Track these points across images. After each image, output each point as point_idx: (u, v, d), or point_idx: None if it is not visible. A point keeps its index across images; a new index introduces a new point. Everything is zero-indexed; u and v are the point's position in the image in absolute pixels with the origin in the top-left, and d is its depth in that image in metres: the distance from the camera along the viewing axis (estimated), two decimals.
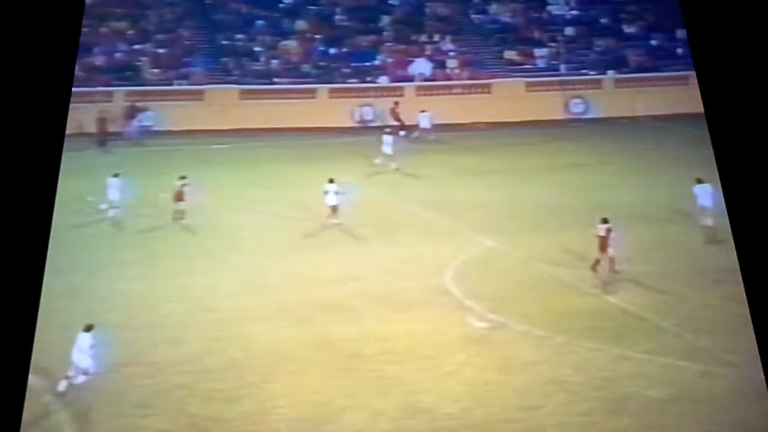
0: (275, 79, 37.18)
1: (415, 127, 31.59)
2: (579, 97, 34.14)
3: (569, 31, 38.21)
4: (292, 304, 18.02)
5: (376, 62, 38.12)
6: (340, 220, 22.19)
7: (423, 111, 31.96)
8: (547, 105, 33.71)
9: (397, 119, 32.75)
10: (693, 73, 37.64)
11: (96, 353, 14.56)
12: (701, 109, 35.28)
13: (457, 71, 37.31)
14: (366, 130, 33.49)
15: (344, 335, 16.66)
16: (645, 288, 18.33)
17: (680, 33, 37.37)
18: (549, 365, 15.25)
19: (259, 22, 39.44)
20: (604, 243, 18.89)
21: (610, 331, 16.47)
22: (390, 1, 40.75)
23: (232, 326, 17.00)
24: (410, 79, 37.02)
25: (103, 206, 22.91)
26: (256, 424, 13.79)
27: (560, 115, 33.32)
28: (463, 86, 35.55)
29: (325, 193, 22.44)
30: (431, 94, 35.45)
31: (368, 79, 37.11)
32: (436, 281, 18.92)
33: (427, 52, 38.44)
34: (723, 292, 17.65)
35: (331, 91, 36.26)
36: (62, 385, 14.34)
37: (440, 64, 37.70)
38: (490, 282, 18.81)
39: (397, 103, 33.18)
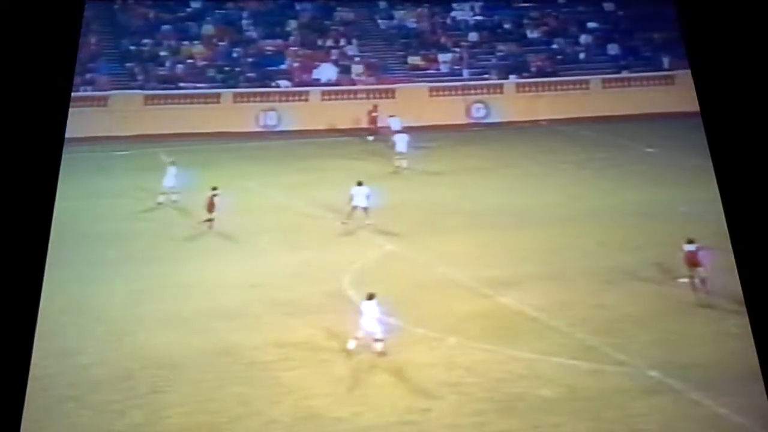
0: (180, 84, 36.83)
1: (382, 130, 31.22)
2: (480, 101, 34.63)
3: (473, 36, 38.72)
4: (188, 313, 17.80)
5: (282, 67, 38.05)
6: (373, 221, 22.28)
7: (392, 116, 31.68)
8: (450, 110, 34.09)
9: (373, 123, 32.22)
10: (593, 77, 38.73)
11: (382, 319, 15.89)
12: (600, 113, 36.46)
13: (362, 76, 37.46)
14: (270, 134, 33.41)
15: (242, 342, 16.52)
16: (538, 289, 18.59)
17: (583, 38, 38.29)
18: (442, 367, 15.35)
19: (166, 27, 39.01)
20: (693, 260, 18.49)
21: (503, 332, 16.67)
22: (296, 6, 40.72)
23: (126, 336, 16.72)
24: (316, 83, 37.05)
25: None
26: None
27: (462, 120, 33.74)
28: (367, 91, 35.72)
29: (353, 196, 22.47)
30: (336, 99, 35.57)
31: (273, 83, 37.02)
32: (335, 286, 18.93)
33: (333, 57, 38.53)
34: (614, 293, 18.25)
35: (236, 95, 36.05)
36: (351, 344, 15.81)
37: (345, 69, 37.81)
38: (387, 285, 18.77)
39: (375, 107, 32.68)
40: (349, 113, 33.80)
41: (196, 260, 20.82)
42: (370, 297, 16.12)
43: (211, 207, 22.48)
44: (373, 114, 32.90)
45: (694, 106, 33.46)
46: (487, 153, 29.56)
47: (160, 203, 24.64)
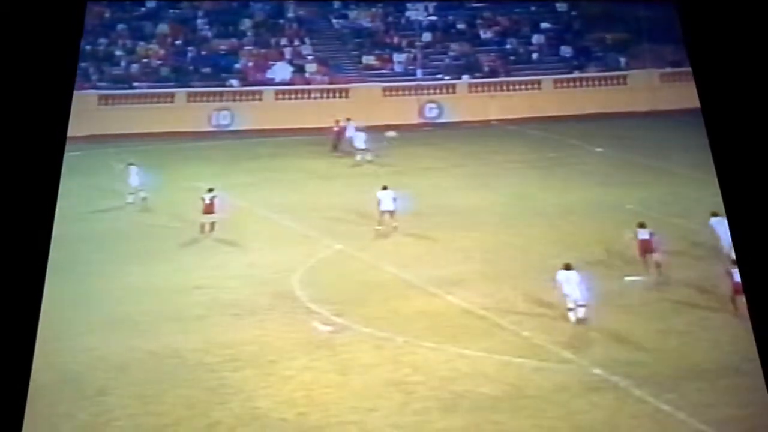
0: (135, 84, 36.55)
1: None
2: (433, 101, 34.76)
3: (426, 36, 38.85)
4: (136, 315, 17.69)
5: (237, 66, 37.89)
6: (398, 223, 22.27)
7: (348, 119, 31.34)
8: (403, 109, 34.17)
9: (339, 136, 31.03)
10: (545, 77, 39.19)
11: (585, 286, 16.76)
12: (551, 113, 36.75)
13: (316, 75, 37.44)
14: (223, 134, 33.31)
15: (188, 344, 16.45)
16: (485, 287, 18.74)
17: (536, 38, 38.55)
18: (388, 366, 15.41)
19: (121, 26, 38.68)
20: (646, 247, 19.04)
21: (450, 330, 16.79)
22: (251, 6, 40.58)
23: (70, 339, 16.54)
24: (270, 82, 36.94)
25: None
26: None
27: (415, 120, 33.84)
28: (321, 90, 35.71)
29: (380, 199, 22.39)
30: (290, 98, 35.51)
31: (227, 83, 36.87)
32: (284, 286, 18.93)
33: (287, 56, 38.44)
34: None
35: (190, 95, 35.84)
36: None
37: (299, 68, 37.76)
38: (335, 285, 18.93)
39: (338, 121, 32.18)
40: (302, 113, 33.74)
41: (145, 262, 20.71)
42: (568, 267, 17.29)
43: (210, 209, 22.34)
44: (341, 125, 32.49)
45: (645, 105, 34.06)
46: (439, 153, 29.68)
47: (129, 203, 24.52)
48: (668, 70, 34.00)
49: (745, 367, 15.56)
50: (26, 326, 11.64)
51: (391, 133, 27.93)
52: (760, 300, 14.89)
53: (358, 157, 27.84)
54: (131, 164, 25.20)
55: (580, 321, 17.14)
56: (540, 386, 14.94)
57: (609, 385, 15.10)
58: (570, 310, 17.16)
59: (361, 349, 16.07)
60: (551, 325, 17.10)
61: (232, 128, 34.26)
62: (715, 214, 19.43)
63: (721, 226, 19.51)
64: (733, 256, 19.54)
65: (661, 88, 33.39)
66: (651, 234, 19.04)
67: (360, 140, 28.62)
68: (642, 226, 19.22)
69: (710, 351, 16.16)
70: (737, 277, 18.26)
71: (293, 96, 35.74)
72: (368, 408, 14.14)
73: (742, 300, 18.10)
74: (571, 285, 17.29)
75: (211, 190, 22.60)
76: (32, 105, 12.13)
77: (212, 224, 22.24)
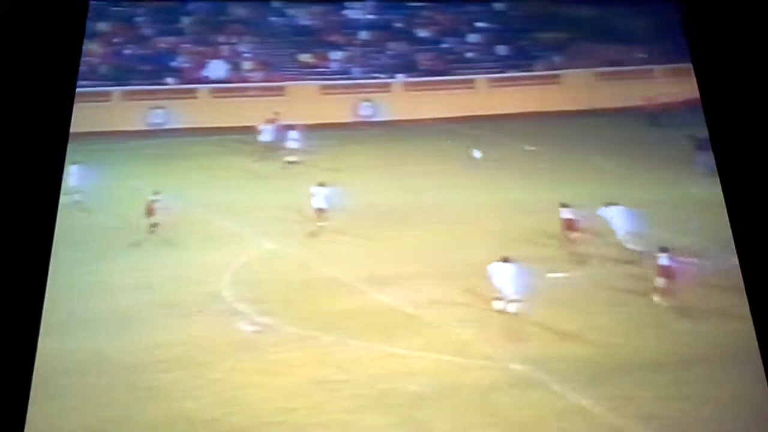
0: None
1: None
2: (368, 100, 34.76)
3: (364, 35, 38.85)
4: (65, 315, 17.22)
5: (174, 64, 37.51)
6: (327, 223, 22.13)
7: (277, 113, 30.75)
8: (339, 108, 34.05)
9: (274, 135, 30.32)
10: (480, 76, 39.09)
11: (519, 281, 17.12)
12: (486, 112, 36.68)
13: (252, 73, 37.23)
14: (158, 133, 32.90)
15: (120, 346, 16.36)
16: (416, 286, 18.72)
17: (471, 37, 38.77)
18: (313, 366, 15.49)
19: None
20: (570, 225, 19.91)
21: (378, 328, 16.87)
22: (190, 4, 40.23)
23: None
24: (206, 80, 36.62)
25: None
26: None
27: (350, 118, 33.81)
28: (257, 88, 35.49)
29: (314, 196, 22.43)
30: (226, 96, 35.20)
31: (164, 81, 36.47)
32: (213, 287, 18.79)
33: (224, 54, 38.16)
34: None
35: (125, 93, 35.35)
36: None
37: (236, 66, 37.51)
38: (264, 285, 18.89)
39: (272, 120, 31.68)
40: (238, 111, 33.46)
41: (80, 262, 20.23)
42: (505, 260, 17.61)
43: (151, 210, 22.01)
44: (274, 123, 32.36)
45: (579, 104, 34.36)
46: (373, 151, 29.59)
47: (68, 203, 24.12)
48: (603, 69, 34.44)
49: (666, 361, 16.00)
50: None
51: (477, 153, 27.89)
52: (760, 300, 15.38)
53: (292, 158, 27.75)
54: (74, 163, 24.75)
55: (510, 316, 17.34)
56: (465, 383, 15.17)
57: (532, 381, 15.36)
58: (498, 300, 17.38)
59: (287, 349, 16.10)
60: (480, 322, 17.27)
61: (167, 127, 33.86)
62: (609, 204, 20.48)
63: (613, 214, 20.28)
64: (630, 245, 20.22)
65: (595, 87, 33.81)
66: (574, 214, 19.98)
67: (293, 139, 28.55)
68: (564, 206, 20.16)
69: (632, 347, 16.48)
70: (662, 261, 18.87)
71: (229, 94, 35.47)
72: (292, 407, 14.22)
73: (667, 284, 18.67)
74: (505, 279, 17.54)
75: (156, 192, 22.51)
76: (33, 104, 12.08)
77: (154, 225, 22.02)
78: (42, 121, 12.01)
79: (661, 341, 16.74)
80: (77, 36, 12.61)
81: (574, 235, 19.91)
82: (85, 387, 15.09)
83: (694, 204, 22.89)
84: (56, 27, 11.96)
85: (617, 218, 20.73)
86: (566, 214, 20.37)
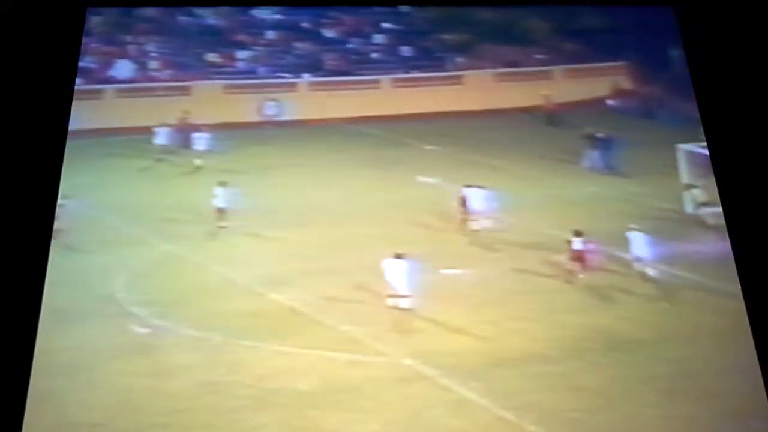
0: None
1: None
2: (273, 100, 34.89)
3: (271, 34, 38.94)
4: None
5: (81, 65, 36.99)
6: (228, 223, 22.30)
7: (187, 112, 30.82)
8: (244, 108, 34.11)
9: (184, 129, 30.06)
10: (384, 77, 39.35)
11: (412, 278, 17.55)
12: (390, 112, 37.13)
13: (158, 73, 37.02)
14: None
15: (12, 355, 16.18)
16: (310, 285, 19.04)
17: (377, 38, 39.20)
18: (204, 367, 15.68)
19: None
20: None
21: (270, 328, 17.14)
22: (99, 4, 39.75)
23: None
24: (113, 80, 36.27)
25: None
26: None
27: (255, 118, 33.90)
28: (162, 88, 35.31)
29: (216, 196, 22.70)
30: (132, 96, 34.94)
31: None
32: (107, 290, 18.78)
33: (131, 54, 37.85)
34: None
35: None
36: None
37: (142, 66, 37.25)
38: (160, 287, 18.98)
39: (183, 119, 31.28)
40: (144, 111, 33.25)
41: None
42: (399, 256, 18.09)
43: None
44: (186, 121, 32.02)
45: (479, 104, 34.90)
46: (277, 151, 29.74)
47: None
48: (503, 70, 35.24)
49: (551, 354, 16.60)
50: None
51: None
52: (760, 297, 15.94)
53: (199, 161, 27.64)
54: None
55: (402, 311, 17.76)
56: (352, 379, 15.53)
57: (419, 375, 15.81)
58: (392, 297, 17.80)
59: (178, 351, 16.25)
60: (371, 318, 17.65)
61: (72, 128, 33.46)
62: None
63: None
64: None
65: (496, 88, 34.57)
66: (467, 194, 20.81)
67: (200, 141, 28.44)
68: (468, 186, 21.09)
69: (519, 340, 17.06)
70: (576, 246, 19.81)
71: (134, 94, 35.21)
72: (179, 409, 14.36)
73: (580, 267, 19.73)
74: (398, 275, 18.00)
75: (65, 197, 22.22)
76: (34, 103, 12.05)
77: (56, 231, 21.75)
78: (40, 120, 12.14)
79: (554, 333, 17.35)
80: (75, 36, 12.76)
81: (470, 223, 20.54)
82: None
83: (590, 201, 23.78)
84: (54, 27, 12.05)
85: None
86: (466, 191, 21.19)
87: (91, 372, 15.56)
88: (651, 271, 19.45)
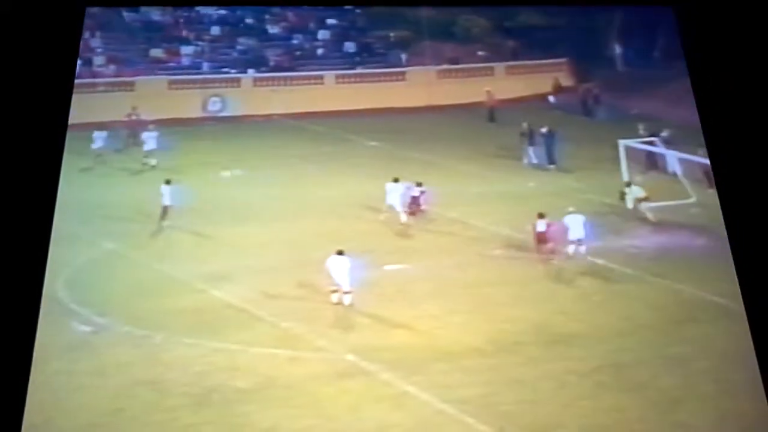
0: None
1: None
2: (217, 95, 34.83)
3: (215, 30, 38.84)
4: None
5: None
6: (170, 221, 22.32)
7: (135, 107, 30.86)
8: (187, 103, 34.00)
9: (132, 126, 30.33)
10: (328, 72, 39.44)
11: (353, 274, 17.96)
12: (332, 108, 37.07)
13: (103, 68, 36.70)
14: None
15: None
16: (251, 281, 19.18)
17: (322, 34, 39.32)
18: (144, 365, 15.77)
19: None
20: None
21: (210, 325, 17.25)
22: None
23: None
24: None
25: None
26: None
27: (198, 113, 33.80)
28: (107, 84, 35.01)
29: (162, 194, 22.77)
30: (76, 92, 34.54)
31: None
32: (49, 288, 18.50)
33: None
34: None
35: None
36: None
37: (87, 62, 36.86)
38: (101, 285, 18.96)
39: (130, 115, 30.78)
40: (87, 107, 32.90)
41: None
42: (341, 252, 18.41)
43: None
44: (133, 116, 31.68)
45: (422, 101, 35.04)
46: (219, 147, 29.68)
47: None
48: (445, 67, 35.58)
49: (488, 348, 16.91)
50: None
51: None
52: (759, 299, 16.17)
53: (153, 161, 27.44)
54: None
55: (344, 307, 17.96)
56: (292, 376, 15.69)
57: (359, 370, 16.01)
58: (334, 293, 18.11)
59: (118, 350, 16.29)
60: (313, 315, 17.88)
61: None
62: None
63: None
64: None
65: (437, 84, 34.90)
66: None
67: (150, 141, 28.18)
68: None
69: (457, 334, 17.34)
70: (540, 227, 20.54)
71: (77, 90, 34.83)
72: (117, 408, 14.40)
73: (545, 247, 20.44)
74: (340, 271, 18.27)
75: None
76: (33, 100, 11.96)
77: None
78: (40, 115, 12.18)
79: (489, 327, 17.65)
80: (74, 34, 12.80)
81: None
82: None
83: (530, 195, 24.16)
84: (54, 26, 12.06)
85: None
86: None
87: (28, 371, 15.42)
88: (588, 258, 20.07)
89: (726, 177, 17.62)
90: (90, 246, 21.25)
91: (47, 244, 12.60)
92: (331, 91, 34.81)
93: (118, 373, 15.41)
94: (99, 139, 28.62)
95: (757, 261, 16.20)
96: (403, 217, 22.35)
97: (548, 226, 20.60)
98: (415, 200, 22.87)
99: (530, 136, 27.51)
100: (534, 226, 20.69)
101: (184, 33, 39.28)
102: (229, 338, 16.62)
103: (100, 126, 30.44)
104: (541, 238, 20.60)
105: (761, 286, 15.87)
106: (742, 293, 15.86)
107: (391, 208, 22.59)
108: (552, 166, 26.68)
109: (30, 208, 13.32)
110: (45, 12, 13.66)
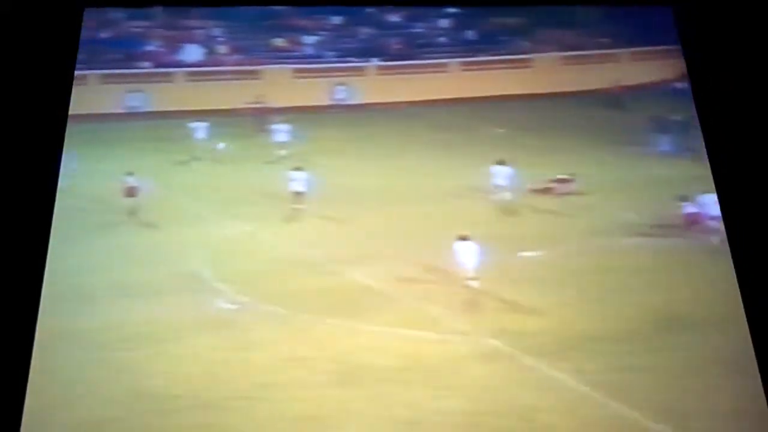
0: None
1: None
2: (342, 84, 35.20)
3: (336, 19, 39.26)
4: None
5: (148, 48, 37.68)
6: (303, 206, 22.56)
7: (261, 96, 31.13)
8: (313, 91, 34.47)
9: (258, 113, 30.63)
10: (452, 60, 39.49)
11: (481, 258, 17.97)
12: (458, 95, 36.96)
13: (226, 57, 37.54)
14: (133, 116, 33.17)
15: (84, 324, 16.78)
16: (387, 265, 19.20)
17: (443, 22, 39.32)
18: (289, 342, 16.04)
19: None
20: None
21: (350, 306, 17.38)
22: None
23: None
24: (182, 64, 36.87)
25: None
26: None
27: (324, 102, 34.21)
28: (232, 72, 35.81)
29: (291, 180, 23.22)
30: (201, 80, 35.49)
31: (139, 65, 36.65)
32: (189, 267, 19.20)
33: (198, 39, 38.40)
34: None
35: (103, 77, 35.50)
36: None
37: (210, 51, 37.77)
38: (241, 265, 19.31)
39: (255, 103, 31.74)
40: (214, 94, 33.77)
41: (56, 244, 20.42)
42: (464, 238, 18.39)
43: (131, 192, 22.56)
44: (258, 105, 32.24)
45: (547, 88, 34.59)
46: (346, 135, 30.00)
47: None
48: (569, 53, 35.14)
49: (622, 335, 16.67)
50: None
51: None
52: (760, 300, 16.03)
53: (283, 151, 27.92)
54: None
55: (478, 292, 17.95)
56: (435, 357, 15.76)
57: (502, 354, 16.01)
58: (467, 280, 18.06)
59: (263, 327, 16.60)
60: (448, 298, 17.84)
61: (144, 110, 34.12)
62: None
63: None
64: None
65: (562, 71, 34.49)
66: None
67: (280, 133, 28.73)
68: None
69: (592, 320, 17.12)
70: (688, 209, 20.54)
71: (204, 78, 35.78)
72: (270, 383, 14.74)
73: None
74: (468, 256, 18.26)
75: (130, 173, 22.95)
76: (32, 98, 12.53)
77: (134, 207, 22.42)
78: (40, 107, 12.61)
79: (623, 313, 17.42)
80: (73, 35, 13.21)
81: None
82: (54, 364, 15.50)
83: (654, 184, 23.70)
84: (53, 25, 12.46)
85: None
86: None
87: (171, 344, 15.99)
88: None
89: (726, 178, 17.54)
90: (221, 227, 21.61)
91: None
92: (456, 79, 34.77)
93: (265, 349, 15.75)
94: (200, 129, 29.20)
95: (758, 261, 16.14)
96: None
97: (695, 208, 20.36)
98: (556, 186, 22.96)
99: (661, 123, 26.93)
100: (681, 208, 20.51)
101: (305, 22, 39.87)
102: (370, 319, 16.76)
103: (216, 114, 31.37)
104: (692, 220, 20.37)
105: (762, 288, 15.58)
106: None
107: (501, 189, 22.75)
108: (683, 154, 26.07)
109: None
110: (44, 12, 13.81)
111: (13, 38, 12.33)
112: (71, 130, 30.13)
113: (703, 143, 18.67)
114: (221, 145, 30.47)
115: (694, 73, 19.47)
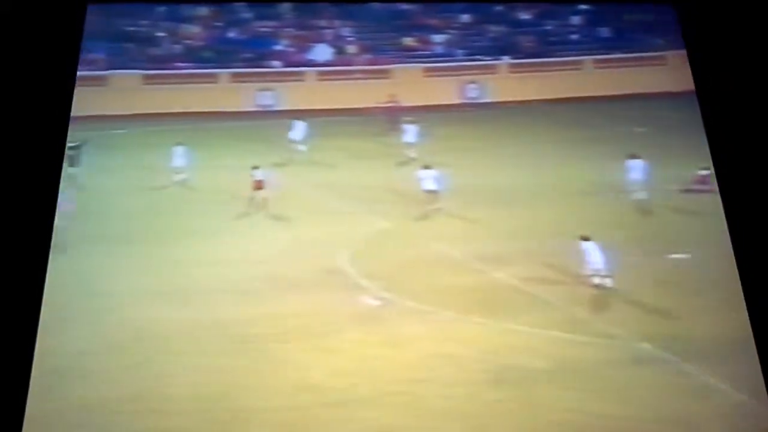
0: (177, 64, 37.05)
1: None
2: (474, 82, 34.97)
3: (465, 18, 39.06)
4: (182, 287, 18.10)
5: (277, 48, 38.27)
6: (439, 204, 22.53)
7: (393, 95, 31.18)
8: (444, 90, 34.38)
9: (391, 113, 30.44)
10: (585, 57, 38.65)
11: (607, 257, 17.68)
12: (593, 93, 36.28)
13: (356, 56, 37.80)
14: (265, 114, 33.72)
15: (234, 316, 17.00)
16: (529, 265, 18.93)
17: (575, 19, 38.67)
18: (436, 340, 15.92)
19: (161, 8, 39.19)
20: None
21: (496, 305, 17.18)
22: None
23: (115, 311, 17.05)
24: (311, 64, 37.32)
25: None
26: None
27: (456, 100, 34.07)
28: (362, 71, 36.03)
29: (422, 179, 23.09)
30: (332, 80, 35.85)
31: (269, 64, 37.27)
32: (332, 261, 19.29)
33: (327, 38, 38.78)
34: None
35: (232, 75, 36.25)
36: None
37: (340, 50, 38.09)
38: (382, 262, 19.30)
39: (388, 101, 30.66)
40: (345, 93, 34.06)
41: (193, 237, 20.91)
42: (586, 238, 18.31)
43: (259, 185, 22.89)
44: (391, 104, 32.18)
45: (683, 86, 33.72)
46: (479, 133, 29.65)
47: (175, 182, 25.05)
48: None
49: None
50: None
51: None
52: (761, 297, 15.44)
53: (412, 153, 27.89)
54: (179, 144, 25.86)
55: (614, 293, 17.51)
56: (586, 360, 15.40)
57: (655, 358, 15.54)
58: (596, 278, 17.78)
59: (408, 323, 16.55)
60: (595, 302, 17.49)
61: (275, 108, 34.67)
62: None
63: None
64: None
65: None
66: None
67: (411, 133, 28.70)
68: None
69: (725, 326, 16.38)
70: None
71: (335, 77, 36.11)
72: (418, 379, 14.69)
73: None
74: (594, 256, 18.01)
75: (256, 167, 23.22)
76: (34, 98, 12.74)
77: (263, 200, 22.72)
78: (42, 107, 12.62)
79: None
80: (75, 34, 13.21)
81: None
82: (197, 354, 15.82)
83: None
84: (55, 24, 12.48)
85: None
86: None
87: (323, 339, 16.08)
88: None
89: (729, 179, 17.03)
90: (360, 224, 21.65)
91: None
92: (590, 76, 34.15)
93: (412, 346, 15.70)
94: (298, 128, 29.04)
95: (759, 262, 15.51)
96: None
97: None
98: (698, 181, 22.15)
99: None
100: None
101: (434, 21, 39.80)
102: (517, 320, 16.53)
103: (350, 113, 31.54)
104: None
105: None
106: None
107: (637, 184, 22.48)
108: None
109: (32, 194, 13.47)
110: (46, 11, 13.64)
111: (13, 38, 12.42)
112: (193, 127, 31.07)
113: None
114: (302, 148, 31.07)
115: (696, 72, 19.05)
